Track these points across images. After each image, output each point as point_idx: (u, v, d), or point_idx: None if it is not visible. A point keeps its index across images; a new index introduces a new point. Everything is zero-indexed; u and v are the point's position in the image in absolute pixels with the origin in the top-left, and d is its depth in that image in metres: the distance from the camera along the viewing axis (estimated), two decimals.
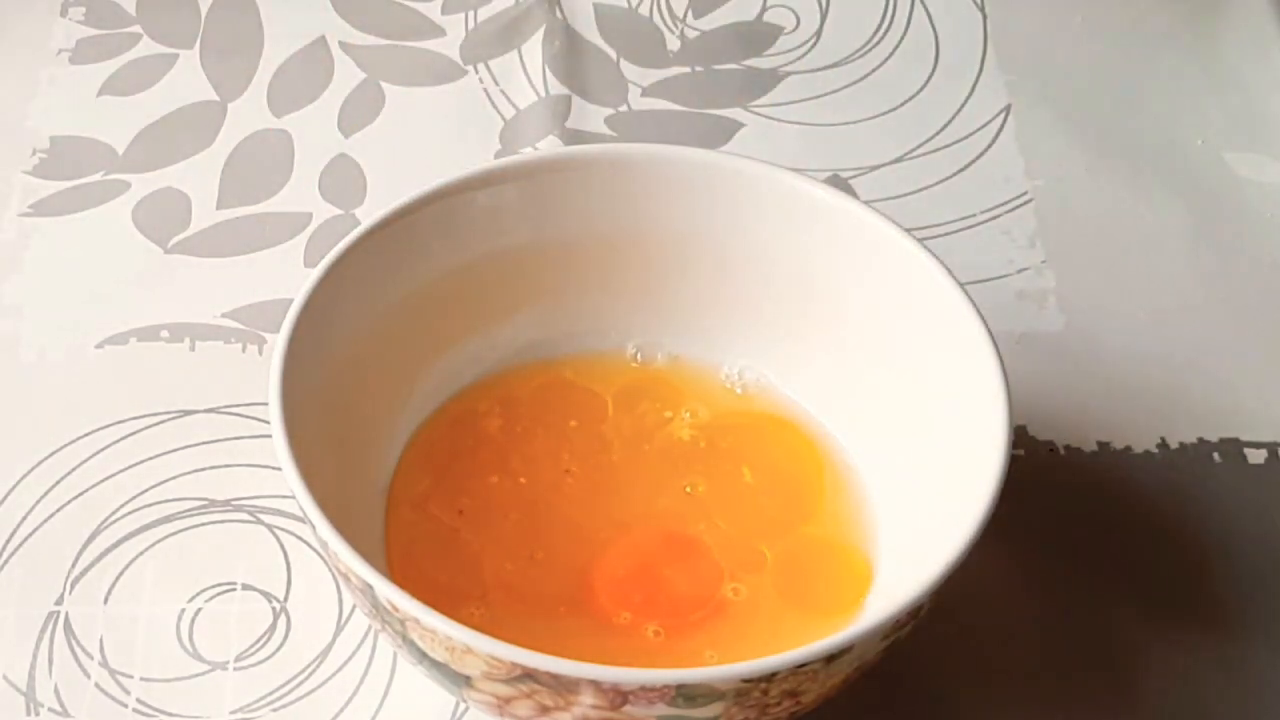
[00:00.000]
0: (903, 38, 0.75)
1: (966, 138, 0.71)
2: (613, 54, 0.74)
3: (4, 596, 0.56)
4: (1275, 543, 0.58)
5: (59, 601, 0.56)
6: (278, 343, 0.50)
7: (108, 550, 0.57)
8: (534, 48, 0.74)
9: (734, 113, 0.72)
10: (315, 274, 0.52)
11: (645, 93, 0.72)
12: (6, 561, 0.57)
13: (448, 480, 0.55)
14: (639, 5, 0.76)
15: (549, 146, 0.69)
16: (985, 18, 0.76)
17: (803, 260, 0.56)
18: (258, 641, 0.55)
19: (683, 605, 0.53)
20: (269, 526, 0.58)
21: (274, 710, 0.54)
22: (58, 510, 0.58)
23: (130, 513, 0.58)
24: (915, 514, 0.53)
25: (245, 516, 0.58)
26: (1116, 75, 0.74)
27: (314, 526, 0.47)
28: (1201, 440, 0.61)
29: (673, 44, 0.74)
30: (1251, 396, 0.62)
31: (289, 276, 0.64)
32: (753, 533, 0.55)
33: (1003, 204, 0.68)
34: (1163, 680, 0.55)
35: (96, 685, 0.54)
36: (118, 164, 0.69)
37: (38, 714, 0.53)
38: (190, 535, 0.57)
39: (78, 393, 0.61)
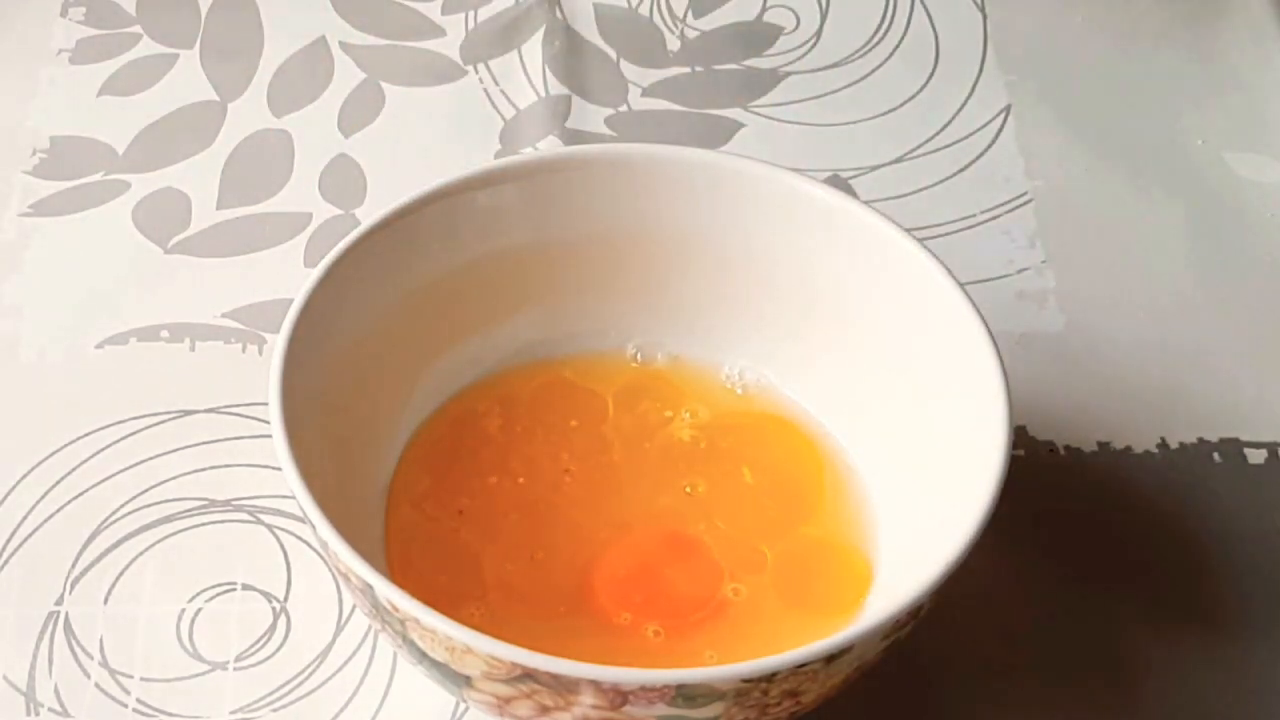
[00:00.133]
0: (903, 38, 0.75)
1: (966, 138, 0.71)
2: (613, 54, 0.74)
3: (4, 596, 0.56)
4: (1275, 543, 0.58)
5: (59, 601, 0.56)
6: (278, 343, 0.50)
7: (108, 550, 0.57)
8: (534, 48, 0.74)
9: (734, 113, 0.72)
10: (315, 274, 0.52)
11: (645, 93, 0.72)
12: (6, 561, 0.57)
13: (448, 480, 0.55)
14: (639, 5, 0.76)
15: (549, 146, 0.69)
16: (985, 18, 0.76)
17: (803, 260, 0.56)
18: (258, 641, 0.55)
19: (683, 605, 0.53)
20: (269, 526, 0.58)
21: (274, 710, 0.54)
22: (58, 510, 0.58)
23: (130, 513, 0.58)
24: (915, 514, 0.53)
25: (245, 516, 0.58)
26: (1116, 75, 0.74)
27: (314, 526, 0.47)
28: (1201, 440, 0.61)
29: (673, 44, 0.74)
30: (1251, 396, 0.62)
31: (289, 276, 0.64)
32: (753, 533, 0.55)
33: (1003, 204, 0.68)
34: (1163, 680, 0.55)
35: (96, 685, 0.54)
36: (118, 164, 0.69)
37: (38, 714, 0.53)
38: (190, 535, 0.57)
39: (77, 393, 0.61)
